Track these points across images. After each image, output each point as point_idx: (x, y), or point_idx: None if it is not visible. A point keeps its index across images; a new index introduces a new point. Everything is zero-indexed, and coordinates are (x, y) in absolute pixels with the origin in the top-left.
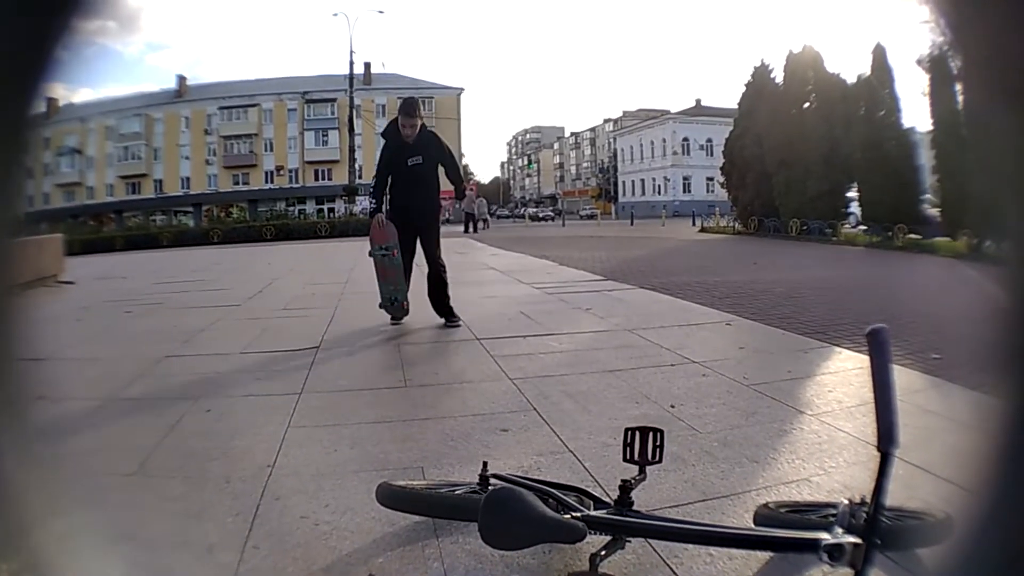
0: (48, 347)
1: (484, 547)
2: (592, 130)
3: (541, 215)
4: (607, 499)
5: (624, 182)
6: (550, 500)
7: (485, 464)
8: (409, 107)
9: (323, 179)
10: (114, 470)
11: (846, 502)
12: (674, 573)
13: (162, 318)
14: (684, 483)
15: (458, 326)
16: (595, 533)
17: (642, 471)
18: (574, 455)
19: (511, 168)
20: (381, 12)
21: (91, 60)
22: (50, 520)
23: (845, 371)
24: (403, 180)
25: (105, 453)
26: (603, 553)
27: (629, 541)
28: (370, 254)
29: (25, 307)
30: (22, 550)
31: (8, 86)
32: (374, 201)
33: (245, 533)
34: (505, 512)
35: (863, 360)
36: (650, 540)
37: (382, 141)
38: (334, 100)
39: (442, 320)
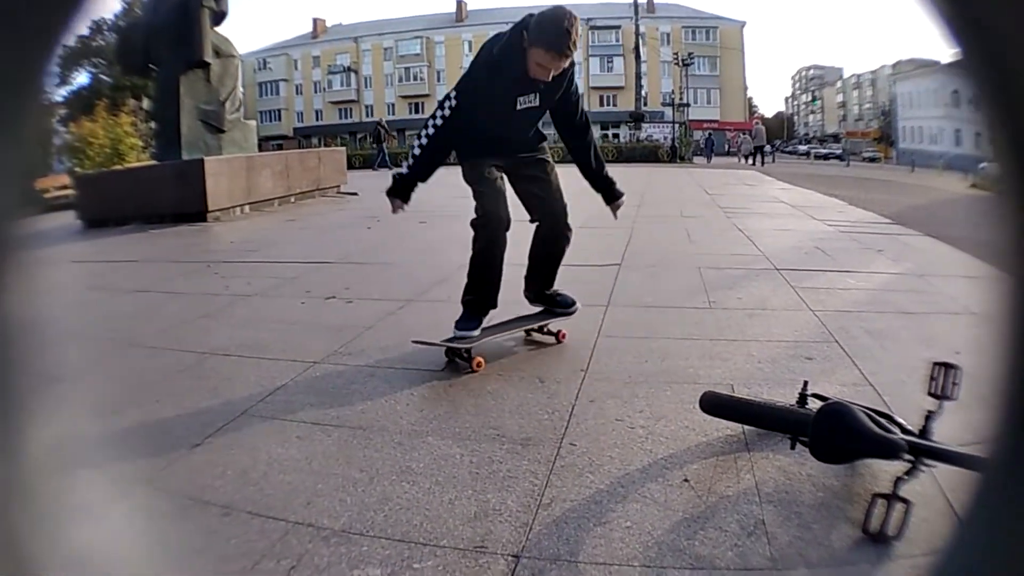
0: (336, 251)
1: (793, 464)
2: (873, 72)
3: (838, 153)
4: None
5: (903, 128)
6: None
7: (806, 383)
8: (563, 42)
9: (608, 105)
10: (423, 366)
11: None
12: (950, 505)
13: (459, 229)
14: (961, 424)
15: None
16: (902, 456)
17: (940, 406)
18: (874, 389)
19: (795, 103)
20: None
21: None
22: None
23: None
24: (498, 127)
25: (412, 354)
26: (904, 477)
27: (923, 470)
28: None
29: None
30: None
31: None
32: (411, 165)
33: (562, 430)
34: (837, 425)
35: None
36: (935, 473)
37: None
38: (618, 27)
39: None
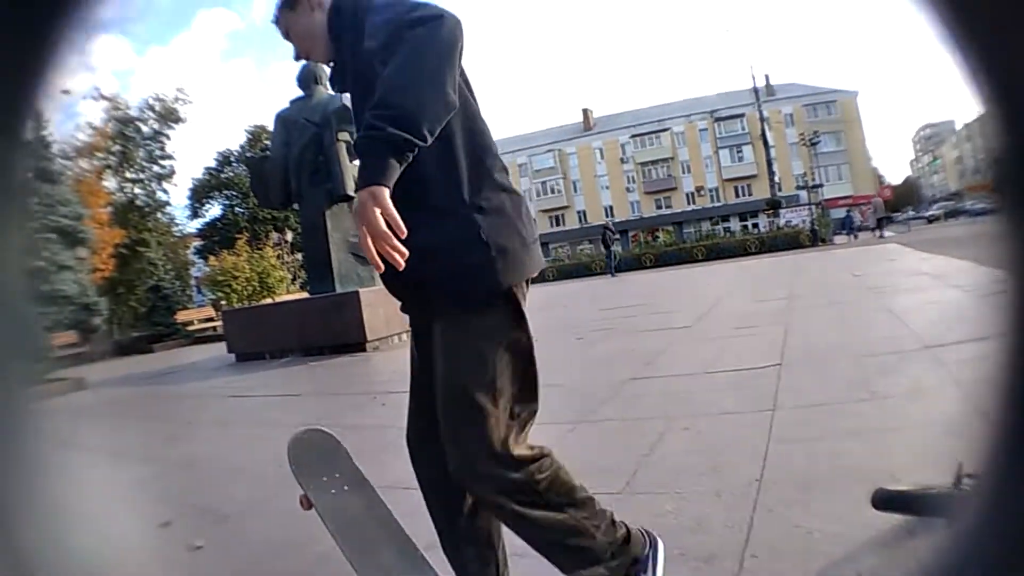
0: None
1: (950, 548)
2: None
3: (963, 210)
4: None
5: None
6: None
7: (960, 464)
8: None
9: (743, 195)
10: (601, 490)
11: None
12: None
13: (616, 342)
14: None
15: None
16: None
17: None
18: None
19: (918, 166)
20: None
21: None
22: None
23: None
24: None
25: (587, 476)
26: None
27: None
28: None
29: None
30: None
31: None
32: None
33: (742, 542)
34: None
35: None
36: None
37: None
38: (742, 115)
39: None
